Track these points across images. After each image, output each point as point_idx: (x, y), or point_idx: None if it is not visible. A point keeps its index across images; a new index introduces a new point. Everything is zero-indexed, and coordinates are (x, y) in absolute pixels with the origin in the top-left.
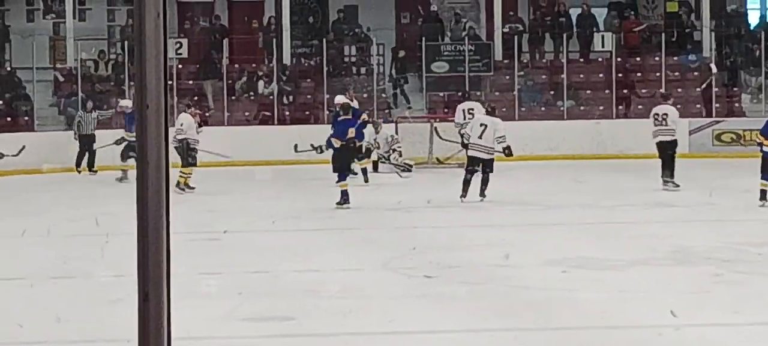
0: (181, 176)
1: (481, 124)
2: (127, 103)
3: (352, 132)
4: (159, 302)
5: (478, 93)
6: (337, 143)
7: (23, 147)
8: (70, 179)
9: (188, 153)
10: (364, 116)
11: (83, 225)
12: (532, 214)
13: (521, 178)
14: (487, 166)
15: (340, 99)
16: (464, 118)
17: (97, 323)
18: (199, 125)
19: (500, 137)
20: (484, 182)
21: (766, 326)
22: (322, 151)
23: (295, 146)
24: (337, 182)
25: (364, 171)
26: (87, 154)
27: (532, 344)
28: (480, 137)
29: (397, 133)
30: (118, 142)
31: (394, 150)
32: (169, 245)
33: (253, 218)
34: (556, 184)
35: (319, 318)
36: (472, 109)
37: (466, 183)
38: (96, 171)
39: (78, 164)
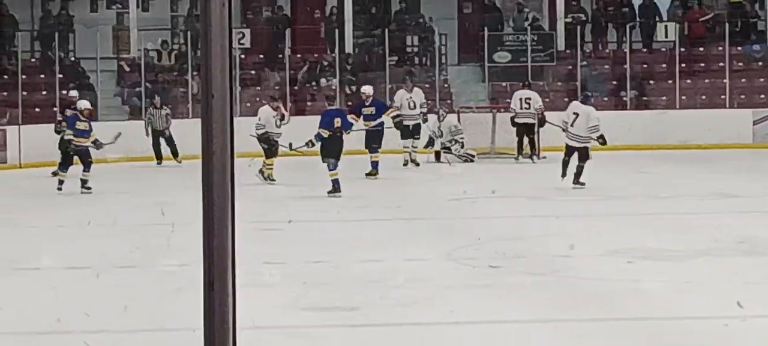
0: (265, 167)
1: (574, 113)
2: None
3: (338, 122)
4: (224, 291)
5: (541, 83)
6: (325, 133)
7: (119, 134)
8: (134, 168)
9: (270, 144)
10: (391, 111)
11: (149, 214)
12: (595, 204)
13: (585, 169)
14: (580, 154)
15: (367, 89)
16: (520, 107)
17: (163, 312)
18: (282, 118)
19: (593, 126)
20: (578, 171)
21: None
22: (312, 145)
23: (290, 145)
24: (330, 170)
25: (374, 164)
26: (161, 146)
27: (596, 336)
28: (572, 126)
29: (459, 122)
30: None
31: (456, 140)
32: (234, 235)
33: (318, 208)
34: (619, 174)
35: (383, 309)
36: (529, 99)
37: (564, 164)
38: (181, 161)
39: (158, 157)
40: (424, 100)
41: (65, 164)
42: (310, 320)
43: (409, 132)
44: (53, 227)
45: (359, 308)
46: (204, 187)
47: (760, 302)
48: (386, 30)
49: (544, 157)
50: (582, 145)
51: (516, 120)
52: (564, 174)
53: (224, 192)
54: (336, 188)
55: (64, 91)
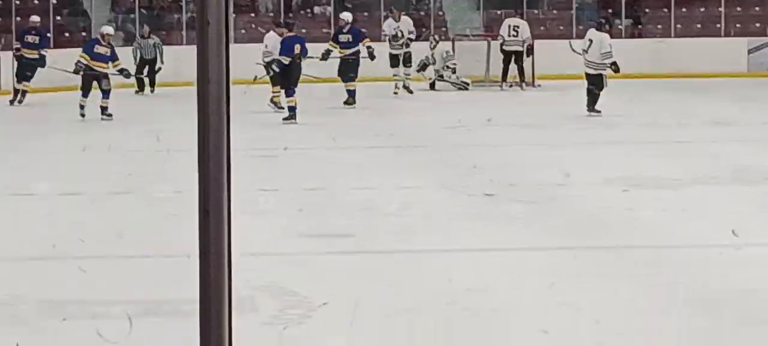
0: (274, 95)
1: (589, 39)
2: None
3: (297, 48)
4: (219, 218)
5: (536, 11)
6: (286, 60)
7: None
8: (127, 95)
9: (277, 71)
10: (366, 40)
11: (144, 141)
12: (592, 133)
13: (581, 97)
14: (593, 81)
15: (345, 16)
16: (508, 35)
17: (158, 238)
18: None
19: (605, 53)
20: (591, 98)
21: None
22: (272, 73)
23: (255, 77)
24: (287, 96)
25: (351, 93)
26: (147, 76)
27: (592, 263)
28: (586, 52)
29: (453, 50)
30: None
31: (448, 67)
32: (229, 162)
33: (313, 135)
34: (616, 103)
35: (377, 236)
36: (517, 27)
37: (589, 93)
38: (153, 90)
39: (139, 86)
40: (413, 29)
41: (85, 90)
42: (305, 247)
43: (397, 60)
44: (47, 153)
45: (353, 235)
46: (199, 114)
47: (755, 230)
48: None
49: (539, 86)
50: (596, 72)
51: (504, 47)
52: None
53: (219, 120)
54: (292, 114)
55: (58, 17)
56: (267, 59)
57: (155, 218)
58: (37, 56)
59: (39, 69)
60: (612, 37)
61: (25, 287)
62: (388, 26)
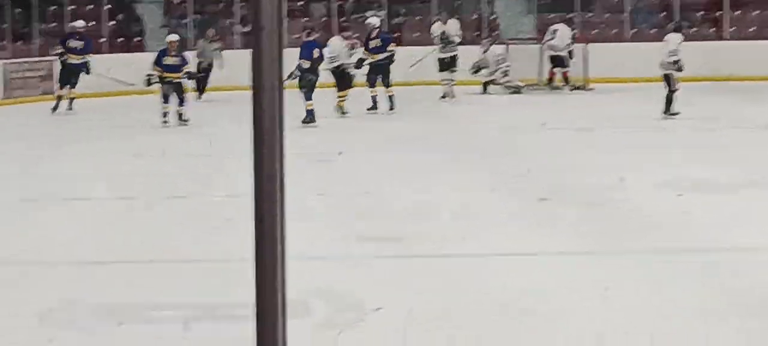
0: (339, 100)
1: (664, 41)
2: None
3: (316, 53)
4: (274, 222)
5: (590, 14)
6: (306, 64)
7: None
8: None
9: (342, 76)
10: (393, 45)
11: (198, 145)
12: (644, 136)
13: (633, 100)
14: (667, 82)
15: (374, 21)
16: (551, 38)
17: (212, 243)
18: (352, 47)
19: (671, 51)
20: (666, 100)
21: None
22: (295, 77)
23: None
24: (306, 100)
25: (374, 99)
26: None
27: (645, 268)
28: (666, 54)
29: (506, 54)
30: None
31: (500, 70)
32: (283, 166)
33: (366, 139)
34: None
35: (431, 240)
36: (556, 30)
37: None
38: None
39: (200, 91)
40: (460, 33)
41: (165, 97)
42: (359, 251)
43: (446, 64)
44: (100, 158)
45: (407, 240)
46: (254, 119)
47: None
48: None
49: (592, 88)
50: (666, 71)
51: (546, 51)
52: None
53: (274, 124)
54: (311, 118)
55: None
56: (332, 64)
57: (210, 222)
58: (81, 61)
59: (83, 75)
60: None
61: (81, 291)
62: (435, 30)
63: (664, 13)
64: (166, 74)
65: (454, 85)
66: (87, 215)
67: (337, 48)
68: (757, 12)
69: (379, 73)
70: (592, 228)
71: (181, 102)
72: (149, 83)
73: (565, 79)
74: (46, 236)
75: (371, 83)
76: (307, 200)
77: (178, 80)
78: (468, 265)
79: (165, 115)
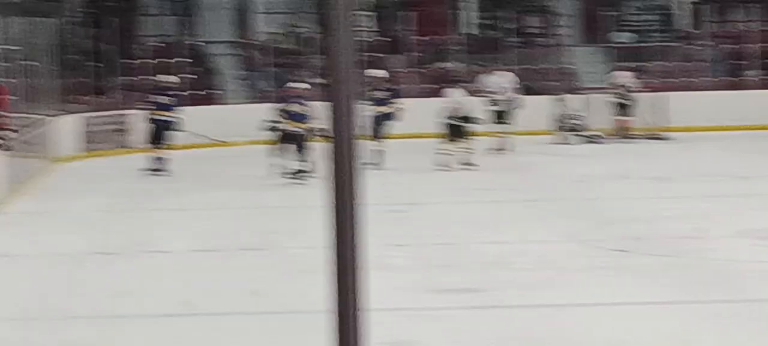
0: (465, 151)
1: None
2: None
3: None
4: (352, 274)
5: (668, 64)
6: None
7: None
8: (258, 152)
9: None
10: (398, 102)
11: (276, 198)
12: (721, 186)
13: (709, 149)
14: None
15: (378, 73)
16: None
17: (292, 295)
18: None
19: None
20: None
21: None
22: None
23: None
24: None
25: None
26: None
27: (726, 318)
28: None
29: (584, 104)
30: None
31: (576, 120)
32: (360, 217)
33: (439, 189)
34: (745, 155)
35: (509, 290)
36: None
37: None
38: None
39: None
40: (517, 84)
41: (283, 151)
42: (437, 302)
43: (499, 117)
44: (180, 210)
45: (485, 290)
46: (330, 169)
47: None
48: (509, 11)
49: (668, 138)
50: None
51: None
52: None
53: (350, 175)
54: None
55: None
56: (453, 115)
57: (288, 275)
58: (170, 118)
59: (174, 132)
60: (740, 88)
61: (162, 344)
62: (492, 81)
63: (742, 61)
64: (289, 122)
65: (510, 134)
66: (165, 268)
67: (458, 99)
68: None
69: (379, 123)
70: (670, 279)
71: (304, 155)
72: (271, 130)
73: (627, 130)
74: (128, 288)
75: (375, 134)
76: (384, 250)
77: (300, 131)
78: (548, 315)
79: (285, 168)
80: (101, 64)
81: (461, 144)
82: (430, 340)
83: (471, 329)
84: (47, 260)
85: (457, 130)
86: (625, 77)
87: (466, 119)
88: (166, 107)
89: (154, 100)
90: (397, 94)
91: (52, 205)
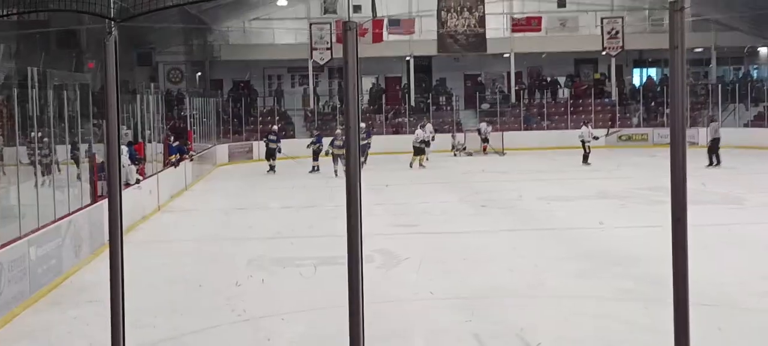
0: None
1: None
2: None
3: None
4: (357, 221)
5: (504, 118)
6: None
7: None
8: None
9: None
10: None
11: (321, 181)
12: (532, 175)
13: (526, 159)
14: None
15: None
16: (480, 132)
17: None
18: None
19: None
20: None
21: None
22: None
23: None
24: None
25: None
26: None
27: (532, 237)
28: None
29: (465, 138)
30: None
31: (462, 145)
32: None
33: (402, 177)
34: (549, 161)
35: (429, 225)
36: (424, 125)
37: None
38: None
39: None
40: (433, 130)
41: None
42: (395, 231)
43: (427, 145)
44: (278, 188)
45: (418, 225)
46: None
47: None
48: (430, 93)
49: (504, 154)
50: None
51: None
52: None
53: (356, 184)
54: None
55: (275, 126)
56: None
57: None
58: (275, 147)
59: (277, 154)
60: (541, 129)
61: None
62: (419, 129)
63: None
64: (336, 150)
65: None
66: (272, 214)
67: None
68: None
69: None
70: (506, 219)
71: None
72: (326, 154)
73: (485, 150)
74: (255, 223)
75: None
76: (370, 206)
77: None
78: (447, 237)
79: (336, 172)
80: (235, 120)
81: (419, 156)
82: (392, 247)
83: (411, 244)
84: (211, 212)
85: (419, 150)
86: (485, 125)
87: (423, 143)
88: (273, 141)
89: (268, 136)
90: (369, 134)
91: (214, 185)
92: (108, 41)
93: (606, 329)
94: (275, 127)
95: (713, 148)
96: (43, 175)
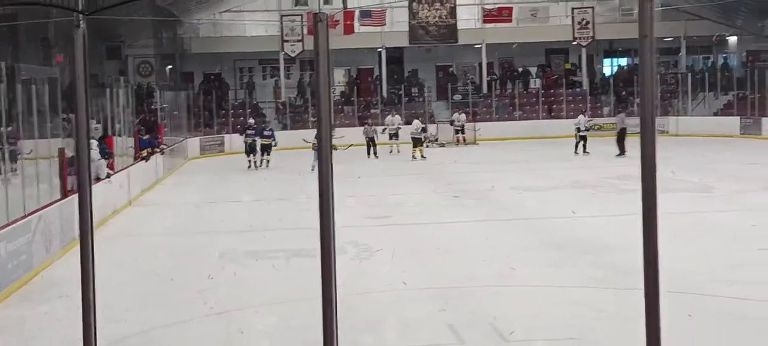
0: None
1: None
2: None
3: None
4: (329, 210)
5: (475, 109)
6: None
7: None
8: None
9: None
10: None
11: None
12: (505, 166)
13: (498, 149)
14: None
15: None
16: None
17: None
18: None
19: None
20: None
21: None
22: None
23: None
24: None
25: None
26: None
27: (504, 226)
28: None
29: (438, 129)
30: None
31: (435, 136)
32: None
33: (375, 167)
34: (517, 152)
35: (402, 216)
36: (452, 120)
37: None
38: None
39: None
40: (401, 121)
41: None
42: (368, 223)
43: (391, 137)
44: (245, 182)
45: (391, 216)
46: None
47: None
48: (402, 85)
49: (478, 144)
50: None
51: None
52: None
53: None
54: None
55: (251, 120)
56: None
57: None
58: (253, 141)
59: (255, 149)
60: (512, 120)
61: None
62: (389, 119)
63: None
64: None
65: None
66: (243, 207)
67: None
68: None
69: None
70: (479, 208)
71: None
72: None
73: (461, 140)
74: (228, 216)
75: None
76: (344, 198)
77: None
78: (421, 228)
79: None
80: (207, 113)
81: (418, 147)
82: (365, 239)
83: (384, 235)
84: (183, 205)
85: (417, 140)
86: (459, 115)
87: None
88: (252, 135)
89: (246, 131)
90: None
91: (185, 179)
92: (76, 35)
93: (577, 317)
94: (251, 120)
95: (620, 138)
96: (11, 171)
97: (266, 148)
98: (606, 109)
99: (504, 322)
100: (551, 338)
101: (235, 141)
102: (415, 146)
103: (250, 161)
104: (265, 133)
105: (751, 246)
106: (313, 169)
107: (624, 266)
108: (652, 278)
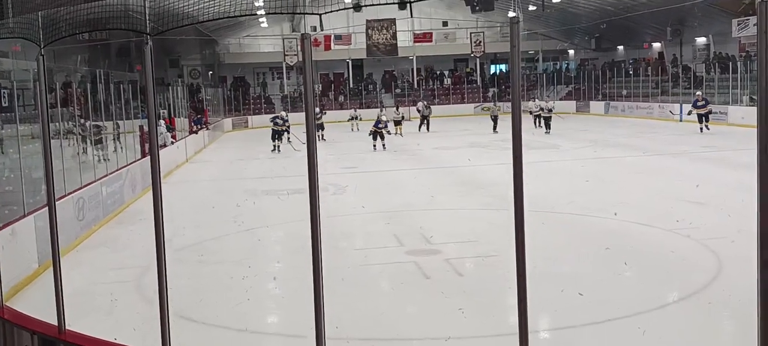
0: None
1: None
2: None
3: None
4: (315, 195)
5: (435, 97)
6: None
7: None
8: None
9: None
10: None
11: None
12: (480, 145)
13: (457, 131)
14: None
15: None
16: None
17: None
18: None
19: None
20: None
21: None
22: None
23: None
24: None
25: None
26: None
27: (474, 195)
28: None
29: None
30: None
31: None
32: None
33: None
34: (480, 136)
35: (384, 189)
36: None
37: None
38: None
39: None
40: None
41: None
42: (350, 181)
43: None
44: (267, 156)
45: (379, 195)
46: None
47: None
48: (362, 83)
49: (430, 131)
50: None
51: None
52: None
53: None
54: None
55: (283, 113)
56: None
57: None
58: (282, 129)
59: (283, 137)
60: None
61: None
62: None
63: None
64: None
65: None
66: (256, 165)
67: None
68: None
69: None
70: (451, 181)
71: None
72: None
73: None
74: (260, 168)
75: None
76: (327, 157)
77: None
78: (397, 199)
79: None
80: (236, 102)
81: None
82: (339, 181)
83: (351, 179)
84: (221, 162)
85: (398, 123)
86: (422, 104)
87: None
88: (280, 124)
89: (275, 120)
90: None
91: (222, 145)
92: (146, 50)
93: (475, 229)
94: (283, 113)
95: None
96: (114, 140)
97: (278, 135)
98: (489, 96)
99: (428, 231)
100: (458, 241)
101: (255, 121)
102: (396, 125)
103: (274, 145)
104: (277, 121)
105: (581, 180)
106: (321, 139)
107: (504, 195)
108: (520, 202)
